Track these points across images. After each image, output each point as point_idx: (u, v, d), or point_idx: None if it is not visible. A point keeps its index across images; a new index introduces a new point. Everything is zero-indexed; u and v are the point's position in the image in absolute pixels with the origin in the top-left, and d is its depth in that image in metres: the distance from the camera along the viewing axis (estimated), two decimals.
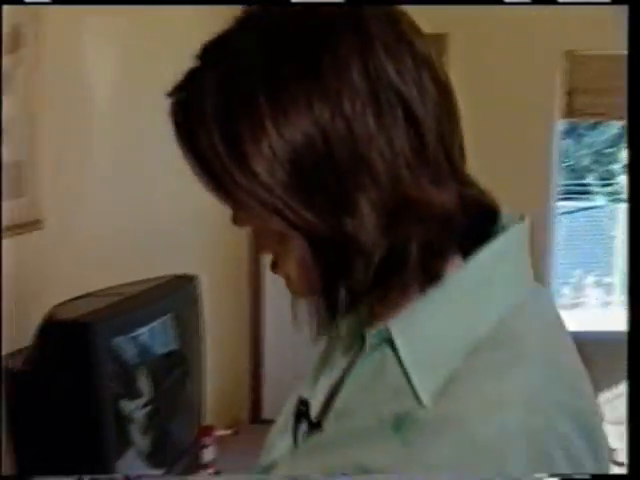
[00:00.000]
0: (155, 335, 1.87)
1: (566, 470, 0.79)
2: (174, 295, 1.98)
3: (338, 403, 0.92)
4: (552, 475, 0.79)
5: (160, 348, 1.89)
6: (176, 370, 1.94)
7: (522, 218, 0.92)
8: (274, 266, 0.90)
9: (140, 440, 1.83)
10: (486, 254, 0.87)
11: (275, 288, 3.35)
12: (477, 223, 0.89)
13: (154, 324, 1.87)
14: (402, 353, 0.85)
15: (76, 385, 1.67)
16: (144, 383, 1.82)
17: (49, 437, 1.73)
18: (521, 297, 0.88)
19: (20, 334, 1.78)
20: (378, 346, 0.88)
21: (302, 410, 1.00)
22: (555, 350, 0.88)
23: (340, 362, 0.97)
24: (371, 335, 0.89)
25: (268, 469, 1.00)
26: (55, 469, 1.74)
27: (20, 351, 1.76)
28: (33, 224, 2.11)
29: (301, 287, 0.89)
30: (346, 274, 0.84)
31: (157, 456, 1.89)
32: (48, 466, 1.75)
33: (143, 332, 1.83)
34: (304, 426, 0.99)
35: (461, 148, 0.89)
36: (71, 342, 1.66)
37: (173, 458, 1.98)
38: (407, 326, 0.86)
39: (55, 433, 1.72)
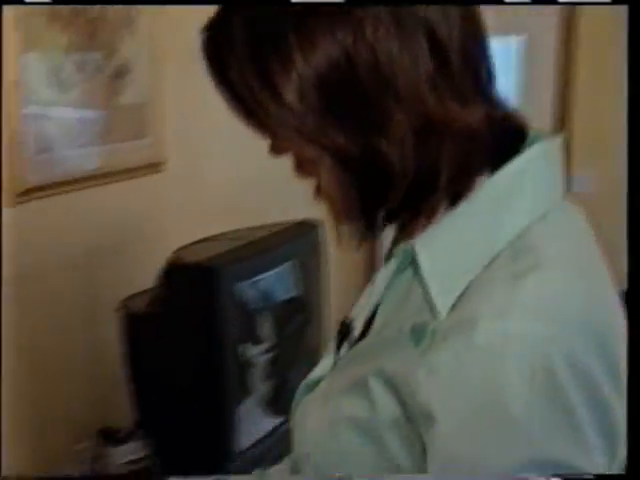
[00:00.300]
0: (278, 281, 1.84)
1: (571, 382, 0.77)
2: (297, 241, 1.94)
3: (376, 322, 0.97)
4: (554, 475, 0.78)
5: (282, 294, 1.86)
6: (297, 317, 1.90)
7: (554, 135, 0.93)
8: (317, 192, 0.92)
9: (260, 387, 1.81)
10: (508, 170, 0.88)
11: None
12: (506, 142, 0.90)
13: (277, 270, 1.84)
14: (423, 268, 0.89)
15: (199, 328, 1.66)
16: (266, 329, 1.79)
17: (169, 381, 1.72)
18: (543, 211, 0.89)
19: (141, 276, 1.77)
20: (408, 265, 0.92)
21: (343, 331, 1.04)
22: (573, 263, 0.87)
23: (381, 283, 0.99)
24: (398, 254, 0.94)
25: (311, 387, 1.03)
26: (175, 414, 1.74)
27: (142, 293, 1.76)
28: (155, 166, 2.11)
29: (341, 212, 0.92)
30: (381, 195, 0.87)
31: (277, 404, 1.86)
32: (168, 411, 1.75)
33: (266, 277, 1.79)
34: (346, 345, 1.03)
35: (489, 70, 0.90)
36: (196, 286, 1.64)
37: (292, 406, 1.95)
38: (429, 242, 0.89)
39: (176, 377, 1.71)
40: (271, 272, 1.82)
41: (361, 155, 0.85)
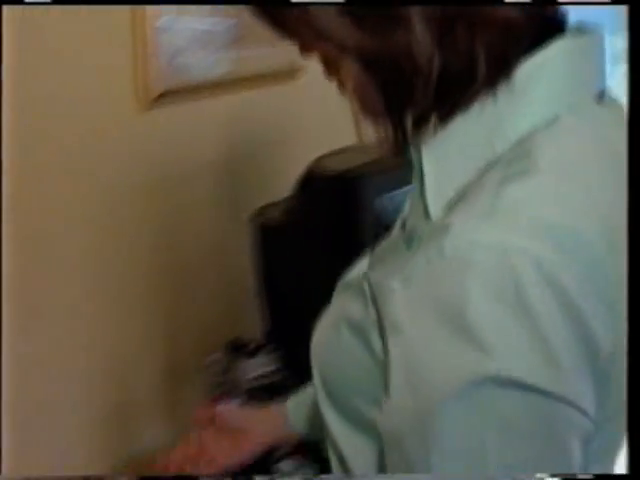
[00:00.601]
0: None
1: (540, 297, 0.73)
2: None
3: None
4: (553, 475, 0.75)
5: None
6: None
7: (590, 30, 0.86)
8: (341, 89, 0.90)
9: None
10: (523, 67, 0.82)
11: None
12: (545, 34, 0.83)
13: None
14: (425, 170, 0.85)
15: (334, 241, 1.63)
16: None
17: (301, 294, 1.69)
18: (555, 113, 0.82)
19: (276, 186, 1.73)
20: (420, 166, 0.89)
21: (379, 233, 1.03)
22: (569, 173, 0.80)
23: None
24: (412, 154, 0.89)
25: (347, 285, 1.00)
26: (306, 327, 1.71)
27: (276, 204, 1.73)
28: (291, 73, 2.05)
29: (366, 112, 0.88)
30: (406, 94, 0.83)
31: None
32: (299, 324, 1.72)
33: (404, 192, 1.72)
34: None
35: None
36: (334, 197, 1.60)
37: None
38: (437, 143, 0.85)
39: (307, 290, 1.67)
40: (409, 187, 1.75)
41: (382, 53, 0.81)
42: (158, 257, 1.81)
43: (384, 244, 0.98)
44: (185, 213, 1.84)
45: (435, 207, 0.83)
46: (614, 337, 0.77)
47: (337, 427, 0.93)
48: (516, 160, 0.79)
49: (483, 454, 0.75)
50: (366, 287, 0.87)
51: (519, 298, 0.73)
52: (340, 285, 1.03)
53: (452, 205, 0.81)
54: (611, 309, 0.76)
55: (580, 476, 0.78)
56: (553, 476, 0.76)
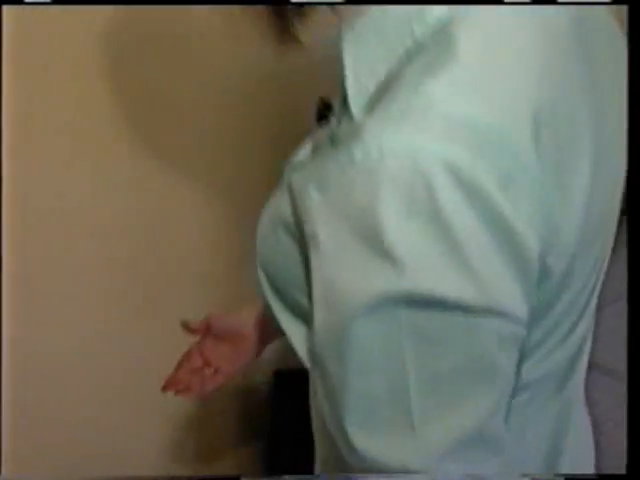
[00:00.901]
0: None
1: (454, 204, 0.65)
2: None
3: None
4: (556, 475, 0.76)
5: None
6: None
7: None
8: None
9: None
10: None
11: None
12: None
13: None
14: (345, 61, 0.77)
15: None
16: None
17: None
18: None
19: None
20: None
21: (325, 114, 0.94)
22: (495, 59, 0.71)
23: None
24: (335, 48, 0.80)
25: (288, 170, 0.88)
26: None
27: None
28: None
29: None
30: None
31: None
32: None
33: None
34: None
35: None
36: None
37: None
38: (354, 33, 0.77)
39: None
40: None
41: None
42: (254, 165, 1.79)
43: (323, 131, 0.88)
44: (293, 118, 1.78)
45: (356, 104, 0.75)
46: (546, 238, 0.71)
47: (282, 315, 0.89)
48: (435, 49, 0.71)
49: (403, 371, 0.70)
50: (290, 188, 0.79)
51: (432, 207, 0.66)
52: (286, 165, 0.92)
53: (373, 103, 0.72)
54: (538, 209, 0.70)
55: (582, 476, 0.79)
56: (557, 475, 0.76)
